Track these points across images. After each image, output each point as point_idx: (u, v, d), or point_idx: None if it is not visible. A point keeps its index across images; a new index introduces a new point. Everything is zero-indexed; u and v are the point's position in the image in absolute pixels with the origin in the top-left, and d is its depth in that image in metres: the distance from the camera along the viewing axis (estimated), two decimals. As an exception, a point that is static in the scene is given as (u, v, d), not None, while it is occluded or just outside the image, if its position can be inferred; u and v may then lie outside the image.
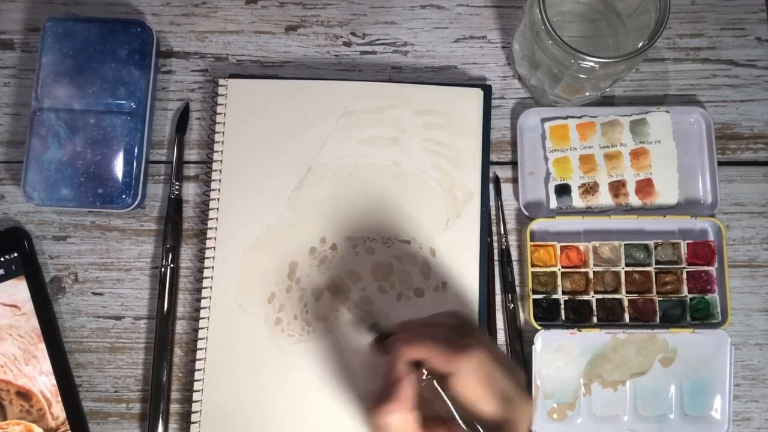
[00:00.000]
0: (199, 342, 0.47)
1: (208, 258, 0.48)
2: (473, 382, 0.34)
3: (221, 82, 0.51)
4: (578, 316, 0.49)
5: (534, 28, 0.44)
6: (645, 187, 0.50)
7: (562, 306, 0.49)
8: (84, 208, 0.49)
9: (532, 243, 0.49)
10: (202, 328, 0.47)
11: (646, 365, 0.48)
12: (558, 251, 0.49)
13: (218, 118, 0.50)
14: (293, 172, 0.49)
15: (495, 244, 0.50)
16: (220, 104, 0.50)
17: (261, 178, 0.49)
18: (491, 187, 0.51)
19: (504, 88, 0.53)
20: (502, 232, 0.50)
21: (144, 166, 0.50)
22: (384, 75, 0.53)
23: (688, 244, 0.49)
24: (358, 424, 0.46)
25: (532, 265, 0.49)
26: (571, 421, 0.48)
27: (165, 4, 0.54)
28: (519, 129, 0.51)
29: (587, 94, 0.49)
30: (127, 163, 0.48)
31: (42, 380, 0.47)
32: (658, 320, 0.49)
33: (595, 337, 0.48)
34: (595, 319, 0.49)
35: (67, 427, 0.47)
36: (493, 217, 0.50)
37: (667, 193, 0.50)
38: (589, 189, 0.50)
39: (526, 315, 0.49)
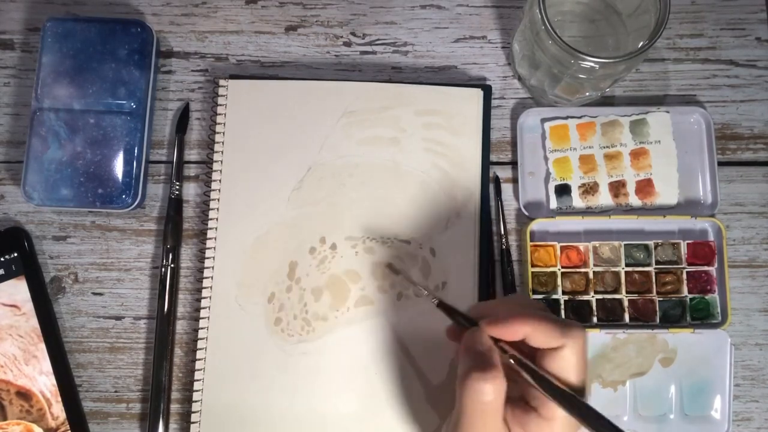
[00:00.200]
0: (199, 342, 0.47)
1: (208, 258, 0.48)
2: (576, 358, 0.34)
3: (221, 82, 0.51)
4: (578, 316, 0.49)
5: (534, 28, 0.44)
6: (645, 187, 0.50)
7: (562, 306, 0.49)
8: (84, 208, 0.49)
9: (532, 243, 0.49)
10: (202, 328, 0.48)
11: (646, 365, 0.48)
12: (558, 251, 0.49)
13: (218, 119, 0.50)
14: (293, 172, 0.49)
15: (495, 244, 0.50)
16: (221, 105, 0.50)
17: (261, 178, 0.49)
18: (491, 187, 0.51)
19: (504, 88, 0.53)
20: (502, 232, 0.50)
21: (144, 166, 0.50)
22: (384, 75, 0.53)
23: (688, 244, 0.49)
24: (356, 423, 0.46)
25: (532, 265, 0.49)
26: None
27: (165, 4, 0.54)
28: (519, 129, 0.51)
29: (587, 94, 0.49)
30: (127, 163, 0.48)
31: (42, 380, 0.47)
32: (658, 320, 0.49)
33: (595, 337, 0.48)
34: (595, 319, 0.49)
35: (67, 427, 0.47)
36: (493, 217, 0.50)
37: (667, 193, 0.50)
38: (589, 189, 0.50)
39: (526, 315, 0.49)
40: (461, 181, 0.49)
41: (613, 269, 0.49)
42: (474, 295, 0.48)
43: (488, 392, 0.32)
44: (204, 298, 0.48)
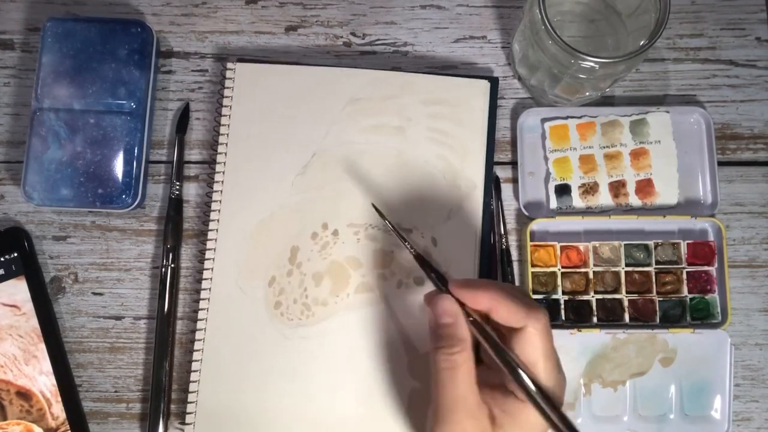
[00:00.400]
0: (198, 323, 0.48)
1: (210, 240, 0.49)
2: (540, 342, 0.35)
3: (229, 65, 0.51)
4: (578, 316, 0.49)
5: (534, 28, 0.44)
6: (645, 187, 0.50)
7: (562, 306, 0.49)
8: (84, 208, 0.49)
9: (532, 243, 0.49)
10: (202, 309, 0.48)
11: (646, 365, 0.48)
12: (558, 251, 0.49)
13: (225, 101, 0.50)
14: (298, 158, 0.50)
15: (495, 244, 0.50)
16: (227, 88, 0.50)
17: (266, 162, 0.49)
18: (493, 187, 0.51)
19: (504, 88, 0.53)
20: (502, 232, 0.50)
21: (144, 166, 0.50)
22: (384, 75, 0.53)
23: (688, 244, 0.49)
24: (354, 409, 0.46)
25: (532, 265, 0.49)
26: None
27: (165, 4, 0.54)
28: (519, 129, 0.51)
29: (587, 94, 0.49)
30: (127, 163, 0.48)
31: (42, 380, 0.47)
32: (658, 320, 0.49)
33: (595, 337, 0.48)
34: (595, 319, 0.49)
35: (67, 427, 0.47)
36: (493, 217, 0.50)
37: (667, 193, 0.50)
38: (589, 189, 0.50)
39: (526, 315, 0.49)
40: (465, 173, 0.49)
41: (613, 269, 0.49)
42: None
43: (457, 359, 0.35)
44: (205, 279, 0.48)
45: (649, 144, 0.50)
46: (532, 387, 0.34)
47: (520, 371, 0.34)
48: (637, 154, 0.51)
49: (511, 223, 0.51)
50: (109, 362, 0.49)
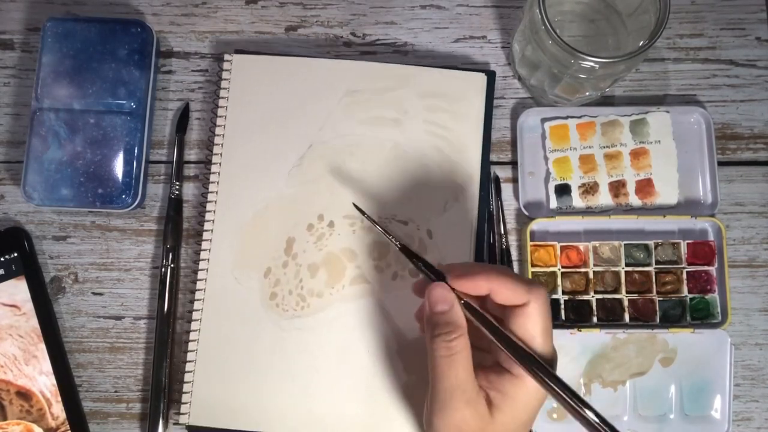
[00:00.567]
0: (194, 313, 0.48)
1: (206, 231, 0.49)
2: (539, 317, 0.35)
3: (226, 56, 0.51)
4: (578, 316, 0.49)
5: (534, 28, 0.44)
6: (645, 187, 0.50)
7: (562, 306, 0.49)
8: (84, 208, 0.49)
9: (532, 243, 0.49)
10: (198, 300, 0.48)
11: (646, 365, 0.48)
12: (558, 251, 0.49)
13: (222, 93, 0.50)
14: (294, 149, 0.50)
15: (495, 245, 0.50)
16: (225, 79, 0.51)
17: (262, 153, 0.50)
18: (492, 187, 0.51)
19: (504, 88, 0.53)
20: (502, 232, 0.50)
21: (144, 166, 0.50)
22: (384, 75, 0.53)
23: (688, 244, 0.49)
24: (348, 401, 0.46)
25: (532, 265, 0.49)
26: (571, 421, 0.47)
27: (165, 4, 0.54)
28: (519, 129, 0.51)
29: (587, 94, 0.49)
30: (127, 163, 0.48)
31: (42, 380, 0.47)
32: (658, 320, 0.49)
33: (595, 337, 0.48)
34: (595, 319, 0.49)
35: (67, 427, 0.47)
36: (493, 217, 0.50)
37: (667, 193, 0.50)
38: (589, 189, 0.50)
39: (526, 315, 0.49)
40: (461, 165, 0.49)
41: (613, 269, 0.49)
42: None
43: (454, 346, 0.35)
44: (201, 270, 0.48)
45: (649, 144, 0.50)
46: (534, 357, 0.34)
47: (519, 344, 0.34)
48: (637, 154, 0.51)
49: (511, 223, 0.51)
50: (109, 362, 0.49)
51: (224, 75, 0.51)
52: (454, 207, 0.49)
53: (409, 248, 0.39)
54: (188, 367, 0.47)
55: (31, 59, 0.53)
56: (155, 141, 0.52)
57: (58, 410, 0.47)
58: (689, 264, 0.49)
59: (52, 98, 0.48)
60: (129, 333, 0.50)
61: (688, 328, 0.48)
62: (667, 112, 0.51)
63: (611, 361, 0.48)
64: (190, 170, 0.52)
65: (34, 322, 0.48)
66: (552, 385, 0.34)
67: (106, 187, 0.48)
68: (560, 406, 0.35)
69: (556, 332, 0.47)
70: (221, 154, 0.50)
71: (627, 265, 0.49)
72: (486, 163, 0.50)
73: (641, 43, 0.42)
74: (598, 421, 0.33)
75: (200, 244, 0.49)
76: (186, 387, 0.47)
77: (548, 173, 0.51)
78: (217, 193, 0.49)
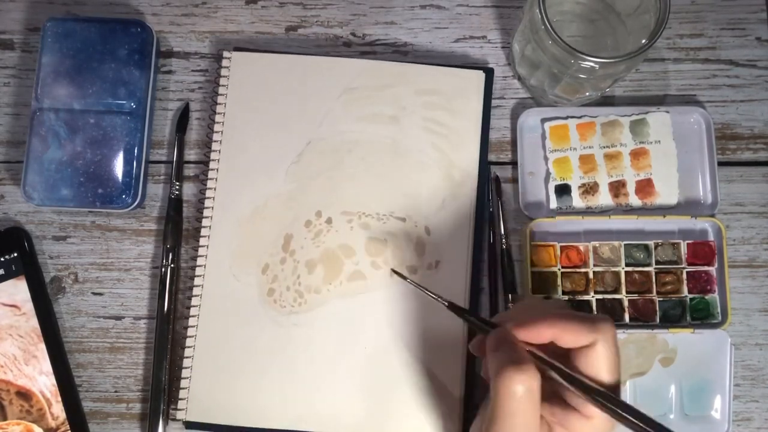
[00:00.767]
0: (191, 309, 0.48)
1: (204, 227, 0.49)
2: (607, 351, 0.33)
3: (225, 54, 0.51)
4: (578, 316, 0.49)
5: (534, 28, 0.44)
6: (645, 187, 0.50)
7: (562, 306, 0.49)
8: (84, 208, 0.49)
9: (532, 243, 0.49)
10: (195, 296, 0.48)
11: (646, 365, 0.48)
12: (558, 251, 0.49)
13: (221, 90, 0.51)
14: (293, 146, 0.50)
15: (495, 245, 0.50)
16: (224, 76, 0.51)
17: (261, 150, 0.50)
18: (492, 187, 0.51)
19: (504, 88, 0.53)
20: (502, 232, 0.50)
21: (144, 166, 0.50)
22: (384, 75, 0.53)
23: (688, 244, 0.49)
24: (345, 396, 0.46)
25: (532, 265, 0.49)
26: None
27: (165, 4, 0.54)
28: (519, 129, 0.51)
29: (587, 94, 0.49)
30: (127, 163, 0.48)
31: (42, 380, 0.47)
32: (658, 320, 0.49)
33: (595, 337, 0.48)
34: (595, 319, 0.49)
35: (67, 427, 0.47)
36: (493, 217, 0.50)
37: (667, 193, 0.50)
38: (589, 189, 0.50)
39: (526, 315, 0.49)
40: (459, 162, 0.49)
41: (613, 269, 0.49)
42: (467, 275, 0.48)
43: (524, 385, 0.32)
44: (199, 266, 0.48)
45: (649, 144, 0.50)
46: (610, 396, 0.32)
47: (591, 384, 0.32)
48: (637, 154, 0.51)
49: (511, 223, 0.51)
50: (109, 362, 0.49)
51: (223, 72, 0.51)
52: (452, 204, 0.49)
53: (461, 308, 0.39)
54: (186, 363, 0.47)
55: (31, 59, 0.53)
56: (155, 141, 0.52)
57: (58, 410, 0.47)
58: (689, 264, 0.49)
59: (52, 98, 0.48)
60: (129, 333, 0.50)
61: (688, 329, 0.48)
62: (667, 112, 0.51)
63: (611, 361, 0.48)
64: (190, 170, 0.52)
65: (34, 322, 0.48)
66: (635, 421, 0.31)
67: (106, 187, 0.48)
68: None
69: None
70: (220, 151, 0.50)
71: (627, 265, 0.49)
72: (484, 159, 0.50)
73: (641, 43, 0.42)
74: None
75: (198, 241, 0.49)
76: (183, 383, 0.47)
77: (548, 173, 0.51)
78: (215, 189, 0.49)
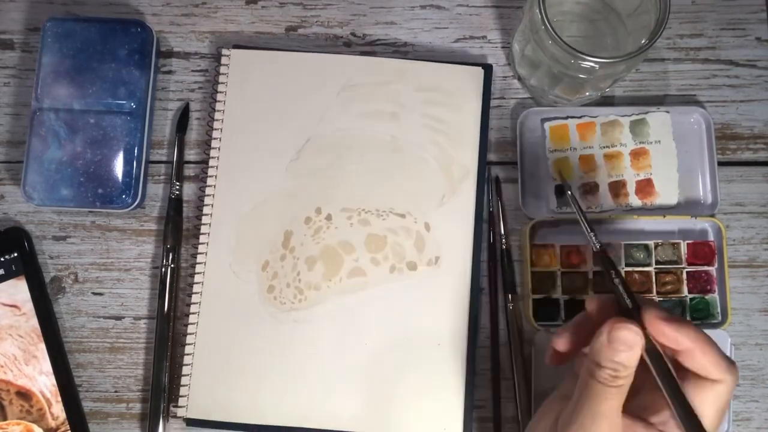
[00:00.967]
0: (192, 306, 0.48)
1: (204, 224, 0.49)
2: (725, 398, 0.33)
3: (224, 51, 0.51)
4: (578, 316, 0.49)
5: (534, 28, 0.44)
6: (645, 187, 0.50)
7: (562, 306, 0.49)
8: (84, 208, 0.49)
9: (532, 243, 0.49)
10: (196, 293, 0.48)
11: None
12: (558, 251, 0.49)
13: (220, 87, 0.51)
14: (292, 143, 0.50)
15: (495, 245, 0.50)
16: (223, 74, 0.51)
17: (260, 147, 0.50)
18: (492, 187, 0.51)
19: (504, 88, 0.53)
20: (502, 232, 0.50)
21: (144, 166, 0.50)
22: (384, 75, 0.53)
23: (688, 244, 0.49)
24: (345, 393, 0.47)
25: (532, 265, 0.49)
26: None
27: (165, 4, 0.54)
28: (519, 129, 0.51)
29: (587, 94, 0.49)
30: (127, 163, 0.48)
31: (42, 380, 0.47)
32: (658, 320, 0.49)
33: (595, 337, 0.48)
34: (595, 319, 0.49)
35: (67, 427, 0.47)
36: (493, 216, 0.50)
37: (667, 193, 0.50)
38: (589, 189, 0.50)
39: (525, 315, 0.49)
40: (458, 159, 0.50)
41: (613, 269, 0.49)
42: (467, 271, 0.48)
43: (615, 382, 0.32)
44: (199, 263, 0.48)
45: (649, 144, 0.50)
46: None
47: (698, 418, 0.31)
48: (637, 154, 0.51)
49: (511, 223, 0.51)
50: (109, 362, 0.49)
51: (222, 70, 0.51)
52: (451, 200, 0.49)
53: (609, 257, 0.36)
54: (186, 360, 0.47)
55: (31, 59, 0.53)
56: (155, 141, 0.52)
57: (58, 410, 0.47)
58: (689, 264, 0.49)
59: (52, 98, 0.48)
60: (129, 333, 0.50)
61: (688, 328, 0.48)
62: (667, 112, 0.51)
63: (611, 361, 0.48)
64: (190, 170, 0.52)
65: (34, 322, 0.48)
66: None
67: (106, 187, 0.48)
68: None
69: (556, 332, 0.47)
70: (219, 149, 0.50)
71: (627, 265, 0.49)
72: (484, 156, 0.50)
73: (641, 43, 0.42)
74: None
75: (198, 238, 0.49)
76: (184, 380, 0.47)
77: (548, 173, 0.51)
78: (215, 186, 0.49)
